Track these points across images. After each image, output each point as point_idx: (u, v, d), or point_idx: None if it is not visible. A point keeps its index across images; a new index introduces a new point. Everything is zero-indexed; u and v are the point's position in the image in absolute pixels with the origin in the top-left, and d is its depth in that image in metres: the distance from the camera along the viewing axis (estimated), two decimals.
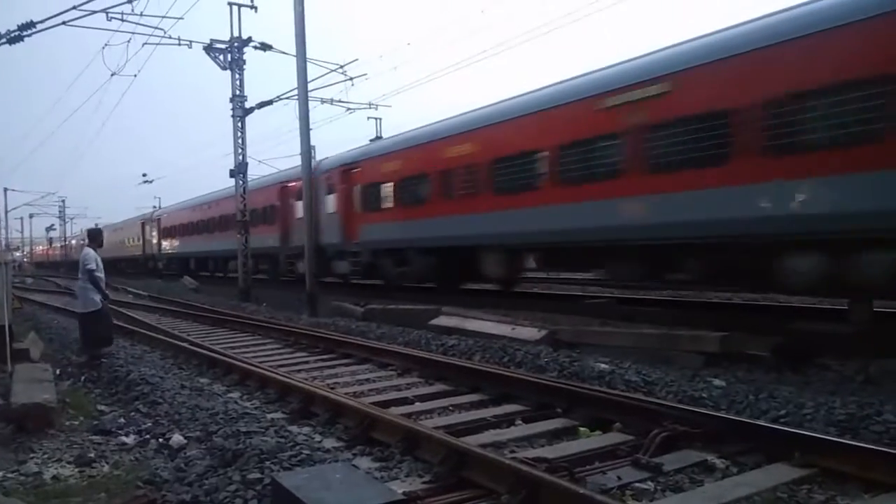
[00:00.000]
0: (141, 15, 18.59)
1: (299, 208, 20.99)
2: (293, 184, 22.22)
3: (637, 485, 4.27)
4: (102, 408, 6.97)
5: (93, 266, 9.24)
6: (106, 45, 19.26)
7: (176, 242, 36.49)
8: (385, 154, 17.99)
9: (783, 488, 4.15)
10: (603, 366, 7.50)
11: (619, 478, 4.35)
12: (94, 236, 10.35)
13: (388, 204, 17.40)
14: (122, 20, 18.26)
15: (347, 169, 19.28)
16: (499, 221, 13.52)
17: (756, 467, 4.56)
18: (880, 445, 4.52)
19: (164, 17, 19.13)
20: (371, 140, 23.80)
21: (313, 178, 18.70)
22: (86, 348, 9.48)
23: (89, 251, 9.47)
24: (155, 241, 39.13)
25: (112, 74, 20.59)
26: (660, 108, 10.16)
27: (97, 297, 9.22)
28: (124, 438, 5.74)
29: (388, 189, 17.38)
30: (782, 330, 8.92)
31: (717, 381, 6.74)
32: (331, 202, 19.96)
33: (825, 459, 4.41)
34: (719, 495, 4.04)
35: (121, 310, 17.35)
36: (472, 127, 14.65)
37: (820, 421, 5.21)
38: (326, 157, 21.52)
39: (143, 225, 42.17)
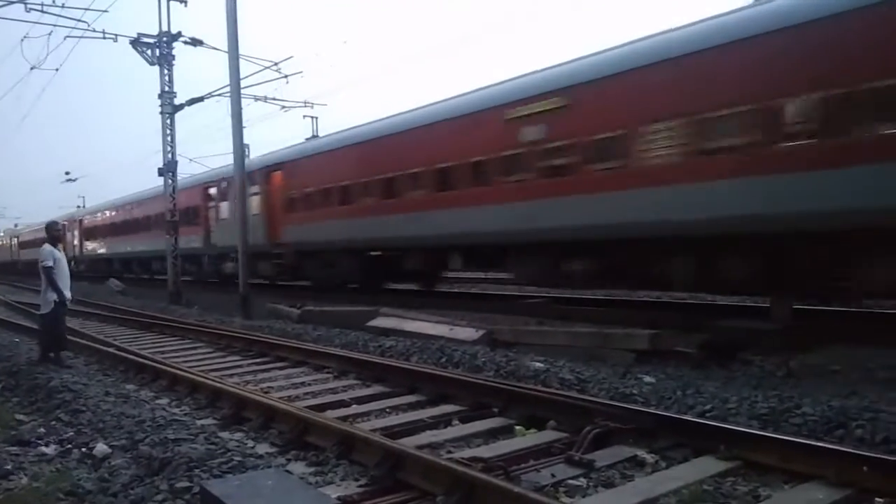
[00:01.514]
0: (63, 6, 17.88)
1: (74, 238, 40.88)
2: (66, 222, 38.27)
3: (570, 482, 4.34)
4: (21, 417, 6.62)
5: (49, 263, 8.64)
6: (25, 37, 18.44)
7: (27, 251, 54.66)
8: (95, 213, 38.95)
9: (709, 481, 4.28)
10: (538, 364, 7.60)
11: (553, 475, 4.41)
12: (53, 231, 9.27)
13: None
14: (42, 12, 17.51)
15: (80, 219, 40.67)
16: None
17: (684, 461, 4.69)
18: (799, 437, 4.73)
19: (87, 9, 18.54)
20: (306, 139, 23.57)
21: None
22: (40, 350, 9.06)
23: (47, 247, 8.81)
24: (16, 249, 57.94)
25: (32, 68, 19.79)
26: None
27: (52, 298, 8.68)
28: (44, 449, 5.47)
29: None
30: (708, 327, 9.23)
31: (647, 378, 6.92)
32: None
33: (748, 452, 4.57)
34: (649, 489, 4.15)
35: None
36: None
37: (743, 415, 5.41)
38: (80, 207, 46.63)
39: (10, 238, 63.57)
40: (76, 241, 39.93)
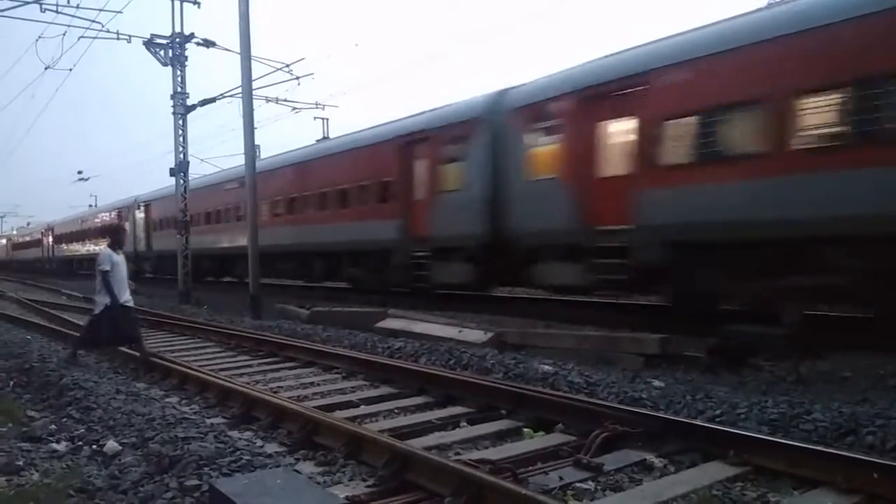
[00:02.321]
0: (77, 7, 18.02)
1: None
2: (42, 230, 54.77)
3: (578, 485, 4.33)
4: (32, 414, 6.68)
5: (106, 267, 8.65)
6: (40, 37, 18.61)
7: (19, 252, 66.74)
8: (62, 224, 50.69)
9: (718, 486, 4.26)
10: (547, 367, 7.59)
11: (561, 478, 4.40)
12: (114, 234, 9.19)
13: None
14: (57, 12, 17.66)
15: (52, 227, 53.31)
16: None
17: (693, 466, 4.68)
18: (809, 443, 4.70)
19: (101, 10, 18.72)
20: (317, 140, 23.68)
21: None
22: (77, 343, 9.18)
23: (105, 251, 8.83)
24: (10, 250, 68.15)
25: (46, 68, 19.92)
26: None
27: (105, 300, 8.71)
28: (55, 445, 5.52)
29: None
30: (718, 332, 9.19)
31: (656, 382, 6.90)
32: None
33: (758, 457, 4.55)
34: (657, 494, 4.14)
35: (54, 312, 16.74)
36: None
37: (753, 420, 5.38)
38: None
39: (6, 240, 74.50)
40: (51, 244, 53.13)
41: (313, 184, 20.27)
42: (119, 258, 8.88)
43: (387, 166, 16.66)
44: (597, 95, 11.30)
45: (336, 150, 20.05)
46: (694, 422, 5.31)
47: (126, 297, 8.89)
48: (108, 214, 38.77)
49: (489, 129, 13.46)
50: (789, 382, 7.46)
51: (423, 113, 16.41)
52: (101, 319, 8.83)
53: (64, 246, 48.63)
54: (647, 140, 10.41)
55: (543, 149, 12.28)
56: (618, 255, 10.80)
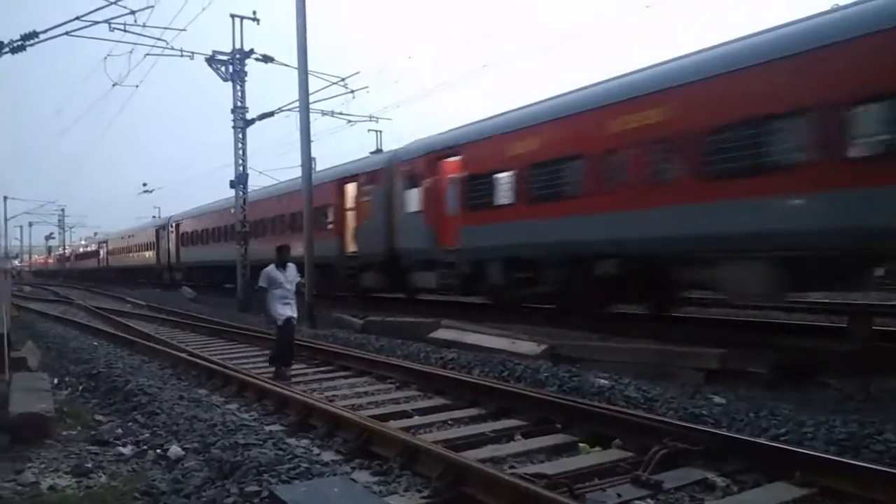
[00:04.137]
0: (143, 26, 18.66)
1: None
2: (70, 249, 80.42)
3: (637, 502, 4.25)
4: (100, 418, 6.94)
5: (262, 284, 9.10)
6: (108, 55, 19.36)
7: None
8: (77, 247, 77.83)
9: None
10: (603, 381, 7.48)
11: (619, 495, 4.32)
12: (279, 253, 9.37)
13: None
14: (125, 31, 18.35)
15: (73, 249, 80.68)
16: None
17: (756, 486, 4.54)
18: (881, 465, 4.50)
19: (166, 28, 19.23)
20: (371, 152, 23.98)
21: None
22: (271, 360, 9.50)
23: (265, 269, 9.14)
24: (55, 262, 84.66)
25: (114, 85, 20.68)
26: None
27: (273, 315, 9.07)
28: (122, 449, 5.71)
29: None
30: (781, 347, 8.90)
31: (717, 399, 6.72)
32: None
33: (825, 478, 4.39)
34: None
35: (119, 319, 17.34)
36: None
37: (820, 440, 5.19)
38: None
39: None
40: (73, 260, 74.69)
41: None
42: (279, 274, 9.04)
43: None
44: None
45: None
46: (757, 440, 5.15)
47: (287, 314, 9.07)
48: (87, 245, 66.32)
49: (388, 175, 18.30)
50: (859, 401, 7.15)
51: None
52: (276, 334, 9.24)
53: (77, 261, 73.58)
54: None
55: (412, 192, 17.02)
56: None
